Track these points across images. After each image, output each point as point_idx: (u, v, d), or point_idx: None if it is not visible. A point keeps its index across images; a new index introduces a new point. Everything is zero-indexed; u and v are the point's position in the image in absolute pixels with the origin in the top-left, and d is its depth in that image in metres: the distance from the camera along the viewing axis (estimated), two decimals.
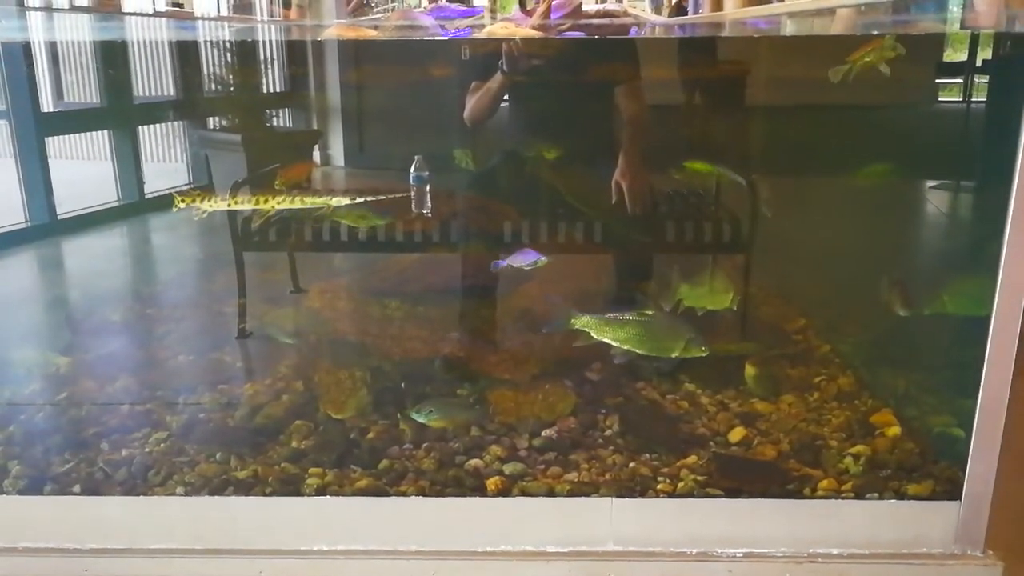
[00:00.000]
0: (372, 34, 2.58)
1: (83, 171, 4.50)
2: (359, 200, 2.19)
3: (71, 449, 2.02)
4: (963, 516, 1.74)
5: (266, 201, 2.07)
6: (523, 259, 2.20)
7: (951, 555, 1.74)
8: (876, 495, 1.80)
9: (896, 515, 1.78)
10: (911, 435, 2.03)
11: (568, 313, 1.98)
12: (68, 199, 3.78)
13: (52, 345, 2.64)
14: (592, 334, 1.96)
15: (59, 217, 3.68)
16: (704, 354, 1.91)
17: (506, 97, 2.56)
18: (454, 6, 2.97)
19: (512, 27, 2.48)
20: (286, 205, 2.09)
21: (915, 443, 1.99)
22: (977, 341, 1.65)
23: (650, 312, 1.93)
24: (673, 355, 1.88)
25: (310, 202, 2.12)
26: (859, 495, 1.81)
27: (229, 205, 2.09)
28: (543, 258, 2.20)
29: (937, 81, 4.96)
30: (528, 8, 2.76)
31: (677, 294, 2.19)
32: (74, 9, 2.90)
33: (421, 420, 2.03)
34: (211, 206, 2.05)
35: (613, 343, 1.94)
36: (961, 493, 1.73)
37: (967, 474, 1.71)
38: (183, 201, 2.03)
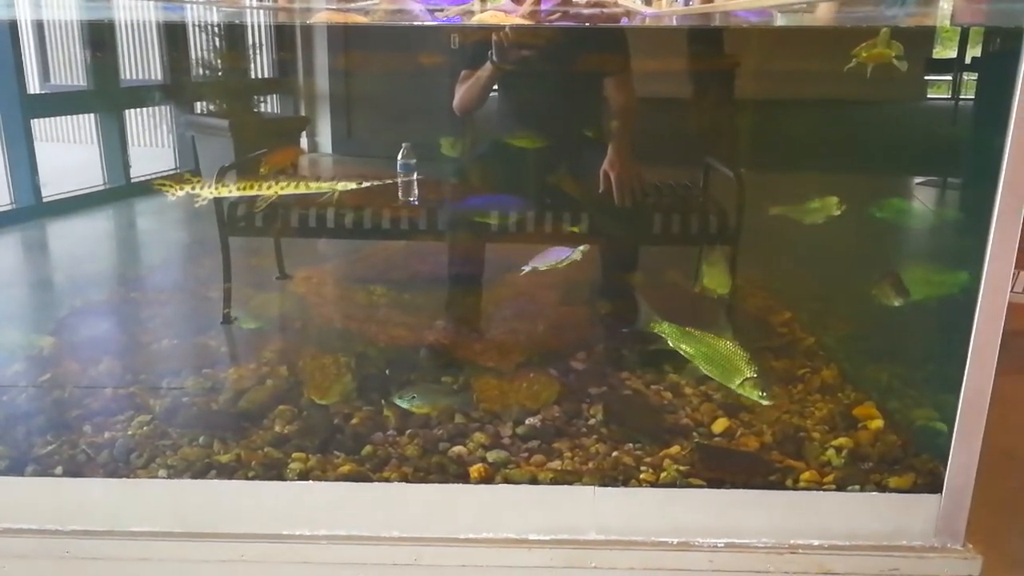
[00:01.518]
0: (361, 19, 2.56)
1: (69, 154, 4.46)
2: (365, 184, 2.17)
3: (53, 431, 2.01)
4: (944, 509, 1.75)
5: (269, 187, 2.05)
6: (555, 257, 2.16)
7: (931, 547, 1.75)
8: (857, 487, 1.81)
9: (877, 507, 1.79)
10: (893, 428, 2.04)
11: (650, 316, 1.97)
12: (54, 182, 3.75)
13: (35, 327, 2.61)
14: (669, 342, 1.95)
15: (44, 199, 3.65)
16: (766, 402, 1.85)
17: (496, 86, 2.55)
18: None
19: (502, 16, 2.47)
20: (291, 190, 2.06)
21: (897, 436, 2.00)
22: (960, 336, 1.66)
23: (728, 337, 1.90)
24: (732, 387, 1.86)
25: (315, 187, 2.10)
26: (841, 487, 1.82)
27: (231, 191, 2.06)
28: (575, 252, 2.15)
29: (926, 78, 4.99)
30: None
31: (702, 276, 2.18)
32: None
33: (404, 405, 2.03)
34: (212, 192, 2.02)
35: (685, 355, 1.93)
36: (942, 486, 1.74)
37: (948, 467, 1.72)
38: (181, 188, 1.99)
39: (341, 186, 2.11)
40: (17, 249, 3.67)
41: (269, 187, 2.04)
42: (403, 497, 1.82)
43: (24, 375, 2.33)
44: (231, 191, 2.06)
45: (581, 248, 2.16)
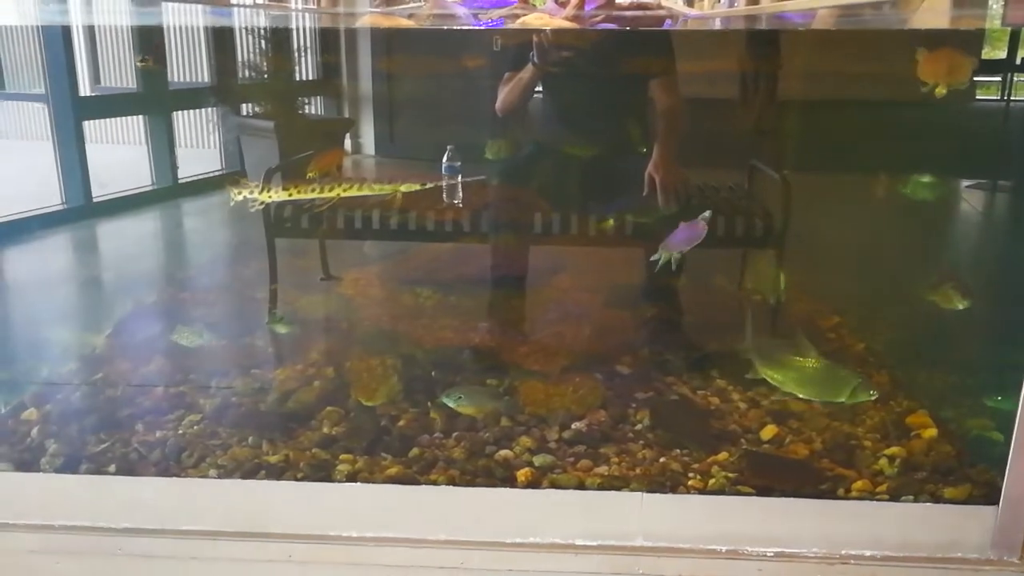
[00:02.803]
0: (406, 23, 2.58)
1: (117, 155, 4.55)
2: (429, 185, 2.14)
3: (106, 429, 2.04)
4: (1000, 521, 1.70)
5: (331, 189, 2.03)
6: (691, 234, 2.04)
7: (987, 561, 1.71)
8: (911, 498, 1.78)
9: (931, 518, 1.75)
10: (947, 437, 2.00)
11: (751, 340, 2.00)
12: (103, 182, 3.83)
13: (87, 325, 2.66)
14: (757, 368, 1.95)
15: (94, 200, 3.73)
16: (872, 397, 1.86)
17: (540, 88, 2.55)
18: None
19: (546, 18, 2.47)
20: (353, 192, 2.04)
21: (952, 446, 1.96)
22: (1018, 341, 1.62)
23: (812, 356, 1.87)
24: (842, 400, 1.84)
25: (379, 189, 2.08)
26: (894, 497, 1.79)
27: (292, 194, 2.05)
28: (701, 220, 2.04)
29: (975, 79, 4.89)
30: (562, 0, 2.74)
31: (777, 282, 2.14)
32: None
33: (451, 404, 2.04)
34: (270, 196, 2.01)
35: (774, 383, 1.92)
36: (999, 498, 1.70)
37: (1006, 478, 1.68)
38: (239, 192, 1.99)
39: (405, 188, 2.09)
40: (68, 249, 3.74)
41: (332, 189, 2.03)
42: (450, 500, 1.82)
43: (78, 373, 2.37)
44: (291, 194, 2.05)
45: (704, 216, 2.07)
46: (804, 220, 2.58)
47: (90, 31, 4.12)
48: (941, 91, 1.81)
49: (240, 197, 2.01)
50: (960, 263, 2.94)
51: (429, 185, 2.15)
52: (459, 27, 2.54)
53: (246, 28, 3.66)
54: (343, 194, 2.04)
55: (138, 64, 3.92)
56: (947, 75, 1.81)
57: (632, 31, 2.61)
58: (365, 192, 2.08)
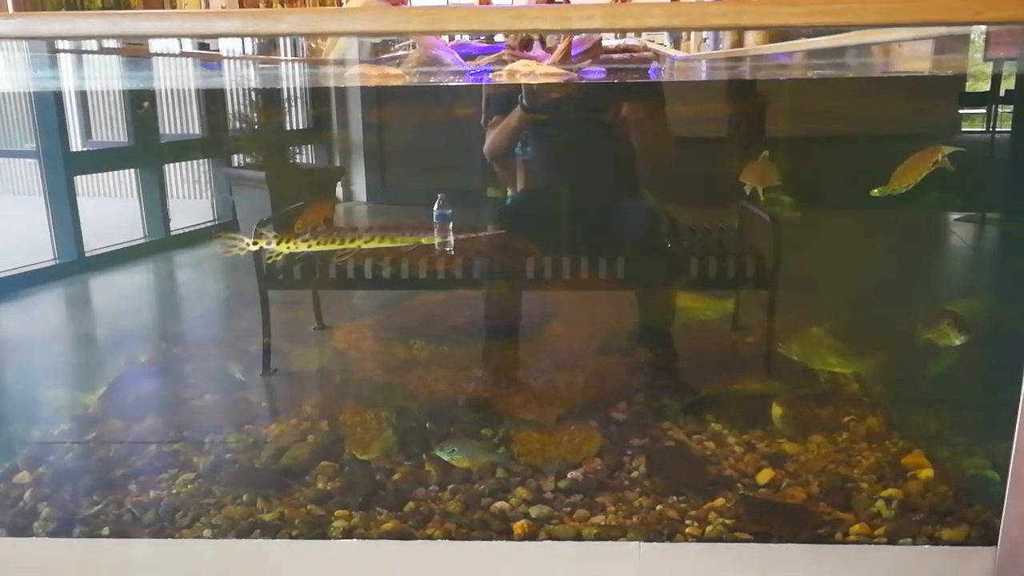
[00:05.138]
0: (394, 72, 2.61)
1: (108, 208, 4.56)
2: (450, 238, 2.15)
3: (100, 490, 2.02)
4: (999, 562, 1.70)
5: (352, 241, 2.03)
6: (764, 170, 2.21)
7: None
8: (909, 540, 1.77)
9: (930, 561, 1.75)
10: (944, 478, 1.99)
11: None
12: (94, 236, 3.83)
13: (80, 384, 2.65)
14: None
15: (86, 255, 3.73)
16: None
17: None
18: (475, 42, 3.01)
19: (533, 64, 2.50)
20: (374, 244, 2.04)
21: (948, 486, 1.95)
22: (1012, 378, 1.62)
23: None
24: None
25: (400, 241, 2.06)
26: (892, 540, 1.78)
27: (310, 246, 2.04)
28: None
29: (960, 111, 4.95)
30: (548, 46, 2.78)
31: None
32: (103, 51, 2.95)
33: (444, 457, 2.03)
34: (287, 248, 2.01)
35: None
36: (997, 538, 1.69)
37: (1003, 519, 1.67)
38: (255, 243, 2.00)
39: (427, 240, 2.08)
40: (60, 304, 3.73)
41: (352, 241, 2.03)
42: (447, 554, 1.81)
43: (71, 434, 2.36)
44: (311, 245, 2.04)
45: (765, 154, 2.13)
46: (795, 258, 2.60)
47: (81, 87, 4.15)
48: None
49: (255, 248, 2.01)
50: (953, 298, 2.95)
51: (450, 238, 2.16)
52: (446, 83, 2.58)
53: (236, 86, 3.70)
54: (364, 246, 2.04)
55: (138, 111, 3.96)
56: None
57: (618, 84, 2.64)
58: (386, 244, 2.06)
